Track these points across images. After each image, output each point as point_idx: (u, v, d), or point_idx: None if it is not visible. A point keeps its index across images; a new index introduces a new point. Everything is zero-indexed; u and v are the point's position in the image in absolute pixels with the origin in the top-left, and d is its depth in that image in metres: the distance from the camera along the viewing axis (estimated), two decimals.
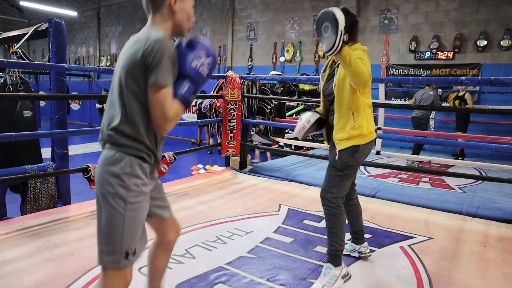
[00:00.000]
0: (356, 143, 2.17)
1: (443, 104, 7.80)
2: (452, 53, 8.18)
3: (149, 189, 1.42)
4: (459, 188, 4.78)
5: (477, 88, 7.87)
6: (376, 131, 2.43)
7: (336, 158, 2.20)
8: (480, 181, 5.01)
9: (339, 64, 2.16)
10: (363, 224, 2.62)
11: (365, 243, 2.61)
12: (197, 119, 8.89)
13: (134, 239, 1.35)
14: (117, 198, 1.30)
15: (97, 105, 11.42)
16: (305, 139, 8.83)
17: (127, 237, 1.32)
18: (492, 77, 3.36)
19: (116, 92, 1.33)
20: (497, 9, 7.66)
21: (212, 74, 1.51)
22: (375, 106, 4.16)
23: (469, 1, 7.93)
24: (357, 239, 2.59)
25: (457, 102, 7.19)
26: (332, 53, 1.90)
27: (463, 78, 3.70)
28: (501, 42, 7.59)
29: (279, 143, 7.38)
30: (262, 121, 6.02)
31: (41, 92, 13.25)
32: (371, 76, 1.98)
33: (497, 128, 7.63)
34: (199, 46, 1.37)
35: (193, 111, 10.06)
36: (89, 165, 3.44)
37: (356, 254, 2.60)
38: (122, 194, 1.30)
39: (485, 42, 7.75)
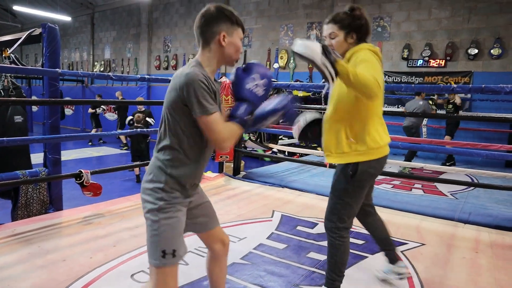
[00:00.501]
0: (352, 161, 1.82)
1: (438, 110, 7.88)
2: (444, 61, 8.28)
3: (186, 204, 1.51)
4: (451, 194, 4.82)
5: (469, 95, 7.97)
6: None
7: (327, 166, 1.94)
8: (472, 188, 5.06)
9: None
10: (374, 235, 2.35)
11: (400, 262, 2.30)
12: None
13: (171, 241, 1.44)
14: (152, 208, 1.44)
15: (90, 110, 11.37)
16: (298, 145, 8.83)
17: (163, 239, 1.43)
18: (483, 85, 3.41)
19: (161, 122, 1.47)
20: (487, 18, 7.79)
21: None
22: None
23: (460, 10, 8.05)
24: (390, 258, 2.28)
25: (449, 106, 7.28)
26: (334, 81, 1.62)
27: (455, 85, 3.75)
28: (492, 51, 7.71)
29: (273, 149, 7.41)
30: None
31: (33, 97, 13.18)
32: (381, 82, 1.63)
33: (488, 135, 7.73)
34: (253, 69, 1.47)
35: None
36: (82, 170, 3.43)
37: (395, 277, 2.29)
38: (156, 204, 1.43)
39: (476, 51, 7.86)
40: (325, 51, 1.56)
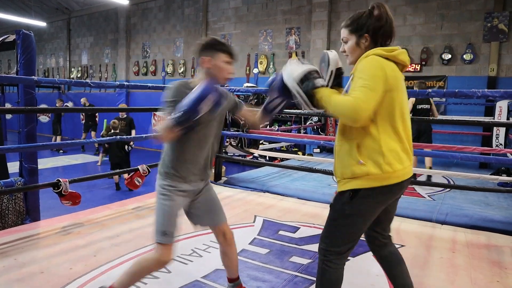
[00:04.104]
0: (357, 186, 1.55)
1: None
2: (419, 65, 8.50)
3: (183, 193, 1.88)
4: (428, 196, 4.93)
5: (443, 99, 8.20)
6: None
7: (331, 199, 1.67)
8: (448, 189, 5.19)
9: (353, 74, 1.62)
10: None
11: None
12: None
13: (168, 224, 1.80)
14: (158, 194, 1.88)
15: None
16: (279, 149, 8.80)
17: (162, 221, 1.81)
18: (456, 90, 3.51)
19: None
20: (459, 25, 8.06)
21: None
22: None
23: (433, 17, 8.30)
24: None
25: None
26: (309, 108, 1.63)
27: (429, 90, 3.85)
28: (464, 56, 7.96)
29: (254, 154, 7.42)
30: (237, 133, 6.04)
31: (7, 104, 12.79)
32: (370, 103, 1.42)
33: (462, 137, 7.98)
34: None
35: None
36: (60, 179, 3.35)
37: None
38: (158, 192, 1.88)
39: (450, 56, 8.11)
40: (305, 77, 1.60)
